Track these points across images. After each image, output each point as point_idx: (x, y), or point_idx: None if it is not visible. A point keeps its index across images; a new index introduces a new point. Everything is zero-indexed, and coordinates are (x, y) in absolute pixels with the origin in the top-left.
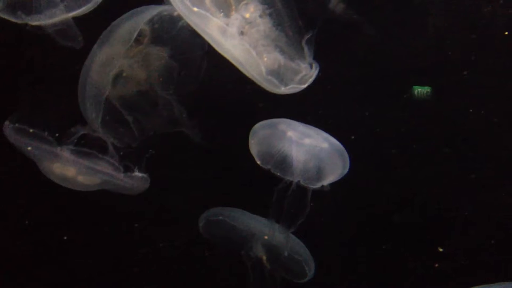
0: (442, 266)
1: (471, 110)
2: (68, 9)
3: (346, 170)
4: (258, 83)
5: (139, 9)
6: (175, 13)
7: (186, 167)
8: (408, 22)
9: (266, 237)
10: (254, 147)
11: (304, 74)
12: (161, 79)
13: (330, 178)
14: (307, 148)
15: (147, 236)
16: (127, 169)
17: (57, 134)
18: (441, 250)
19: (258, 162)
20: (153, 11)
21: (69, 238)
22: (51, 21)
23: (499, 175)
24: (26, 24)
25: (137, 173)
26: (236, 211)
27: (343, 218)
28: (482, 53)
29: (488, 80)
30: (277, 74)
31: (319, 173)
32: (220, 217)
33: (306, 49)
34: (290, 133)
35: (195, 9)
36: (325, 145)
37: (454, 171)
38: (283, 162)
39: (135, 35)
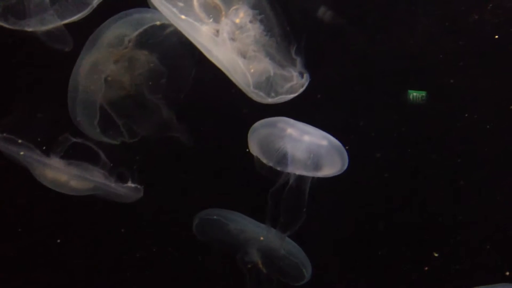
0: (438, 268)
1: (466, 115)
2: (62, 17)
3: (345, 167)
4: (246, 93)
5: (125, 12)
6: (162, 22)
7: (180, 171)
8: (397, 28)
9: (262, 238)
10: (254, 146)
11: (294, 83)
12: (150, 83)
13: (328, 174)
14: (306, 145)
15: (141, 240)
16: (121, 178)
17: (44, 148)
18: (436, 255)
19: (262, 160)
20: (141, 16)
21: (62, 241)
22: (44, 28)
23: (494, 178)
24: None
25: (130, 184)
26: (231, 212)
27: (338, 221)
28: (472, 58)
29: (480, 85)
30: (265, 85)
31: (318, 170)
32: (215, 217)
33: (295, 56)
34: (289, 131)
35: (183, 16)
36: (324, 142)
37: (449, 174)
38: (284, 159)
39: (126, 41)
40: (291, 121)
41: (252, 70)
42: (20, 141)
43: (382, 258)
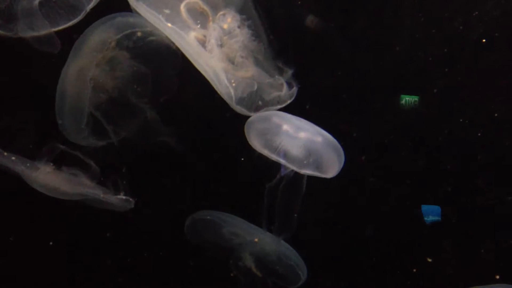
0: (431, 273)
1: (462, 120)
2: (55, 23)
3: (342, 163)
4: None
5: (108, 17)
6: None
7: (171, 175)
8: (385, 34)
9: (256, 240)
10: (253, 140)
11: (282, 93)
12: (134, 86)
13: (327, 170)
14: (303, 142)
15: (131, 245)
16: (113, 186)
17: (28, 164)
18: (429, 260)
19: (263, 153)
20: (124, 20)
21: (54, 245)
22: (36, 34)
23: (486, 182)
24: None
25: (121, 196)
26: (224, 214)
27: (333, 223)
28: (459, 64)
29: (468, 91)
30: (248, 100)
31: (316, 166)
32: (209, 217)
33: (283, 64)
34: (285, 127)
35: (170, 24)
36: (319, 138)
37: (443, 178)
38: (280, 155)
39: (108, 44)
40: (285, 115)
41: (234, 84)
42: (6, 153)
43: (377, 261)
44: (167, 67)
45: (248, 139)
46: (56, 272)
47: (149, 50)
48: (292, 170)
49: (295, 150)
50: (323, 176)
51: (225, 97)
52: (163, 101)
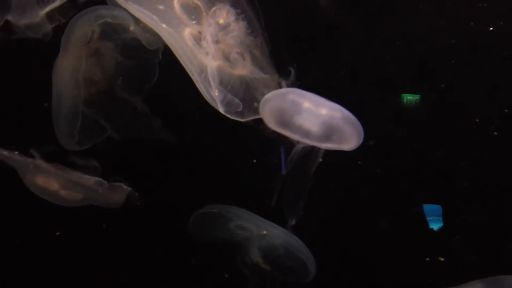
0: (442, 270)
1: (477, 120)
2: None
3: (361, 139)
4: None
5: (91, 8)
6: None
7: (174, 173)
8: (387, 29)
9: (265, 232)
10: (269, 119)
11: None
12: (120, 78)
13: (345, 147)
14: (324, 119)
15: (133, 243)
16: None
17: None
18: (442, 259)
19: (279, 131)
20: (107, 12)
21: (53, 243)
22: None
23: (495, 177)
24: None
25: (121, 194)
26: (231, 207)
27: (342, 217)
28: (465, 57)
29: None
30: (236, 113)
31: (335, 142)
32: (215, 210)
33: (280, 60)
34: (306, 104)
35: (164, 26)
36: (338, 114)
37: (450, 176)
38: (300, 132)
39: (91, 36)
40: (301, 92)
41: (216, 94)
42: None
43: (384, 257)
44: (150, 56)
45: (264, 119)
46: (55, 271)
47: (132, 41)
48: (295, 160)
49: (317, 126)
50: (344, 148)
51: (214, 105)
52: (147, 90)
